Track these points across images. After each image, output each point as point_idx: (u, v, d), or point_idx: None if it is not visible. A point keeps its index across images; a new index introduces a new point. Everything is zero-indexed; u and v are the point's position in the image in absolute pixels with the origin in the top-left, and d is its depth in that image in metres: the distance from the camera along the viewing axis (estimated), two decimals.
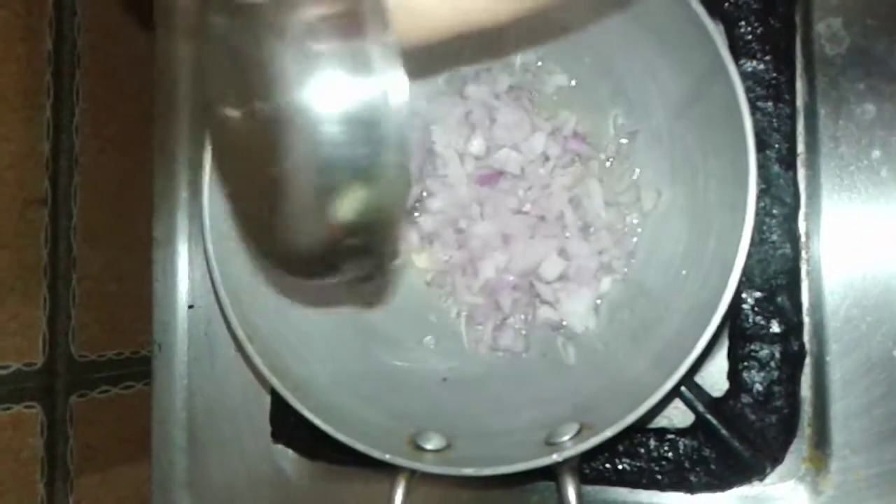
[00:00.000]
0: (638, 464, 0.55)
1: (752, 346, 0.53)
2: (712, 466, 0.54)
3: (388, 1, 0.32)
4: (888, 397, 0.52)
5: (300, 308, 0.56)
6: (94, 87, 0.76)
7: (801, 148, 0.54)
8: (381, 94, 0.32)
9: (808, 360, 0.54)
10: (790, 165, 0.54)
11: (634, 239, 0.56)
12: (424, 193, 0.59)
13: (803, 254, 0.54)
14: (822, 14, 0.55)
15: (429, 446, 0.50)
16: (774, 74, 0.54)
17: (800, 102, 0.55)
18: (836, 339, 0.53)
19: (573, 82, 0.58)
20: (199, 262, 0.69)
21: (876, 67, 0.54)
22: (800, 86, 0.55)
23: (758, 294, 0.53)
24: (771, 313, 0.53)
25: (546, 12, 0.40)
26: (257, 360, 0.50)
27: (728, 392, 0.54)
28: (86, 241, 0.75)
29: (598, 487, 0.56)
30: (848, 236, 0.54)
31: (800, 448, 0.54)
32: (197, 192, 0.67)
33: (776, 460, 0.53)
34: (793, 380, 0.53)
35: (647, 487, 0.55)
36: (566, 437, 0.47)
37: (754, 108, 0.53)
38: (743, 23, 0.54)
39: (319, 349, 0.55)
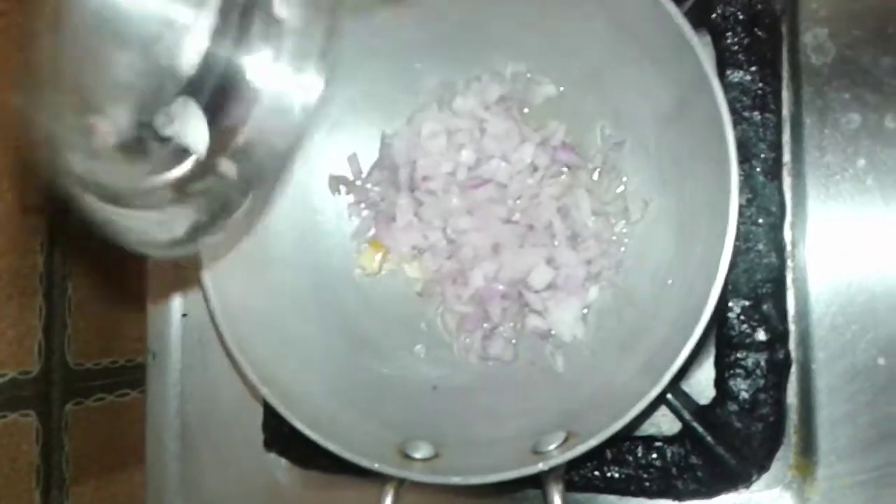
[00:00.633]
0: (626, 471, 0.55)
1: (739, 354, 0.54)
2: (699, 474, 0.54)
3: None
4: (873, 404, 0.53)
5: (291, 318, 0.57)
6: None
7: (786, 157, 0.55)
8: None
9: (793, 368, 0.54)
10: (776, 175, 0.54)
11: (622, 248, 0.56)
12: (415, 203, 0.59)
13: (789, 262, 0.55)
14: (809, 25, 0.55)
15: (417, 455, 0.50)
16: (761, 85, 0.54)
17: (786, 112, 0.55)
18: (822, 347, 0.54)
19: (562, 92, 0.58)
20: (192, 271, 0.70)
21: (861, 77, 0.54)
22: (786, 96, 0.55)
23: (744, 302, 0.54)
24: (757, 321, 0.54)
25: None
26: (248, 371, 0.51)
27: (715, 400, 0.55)
28: (81, 249, 0.75)
29: (587, 495, 0.57)
30: (833, 245, 0.54)
31: (786, 455, 0.54)
32: None
33: (762, 467, 0.54)
34: (779, 387, 0.54)
35: (635, 494, 0.56)
36: (553, 446, 0.47)
37: (741, 118, 0.54)
38: (730, 34, 0.55)
39: (310, 358, 0.56)
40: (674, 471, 0.54)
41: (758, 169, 0.54)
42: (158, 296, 0.70)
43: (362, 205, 0.62)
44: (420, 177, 0.58)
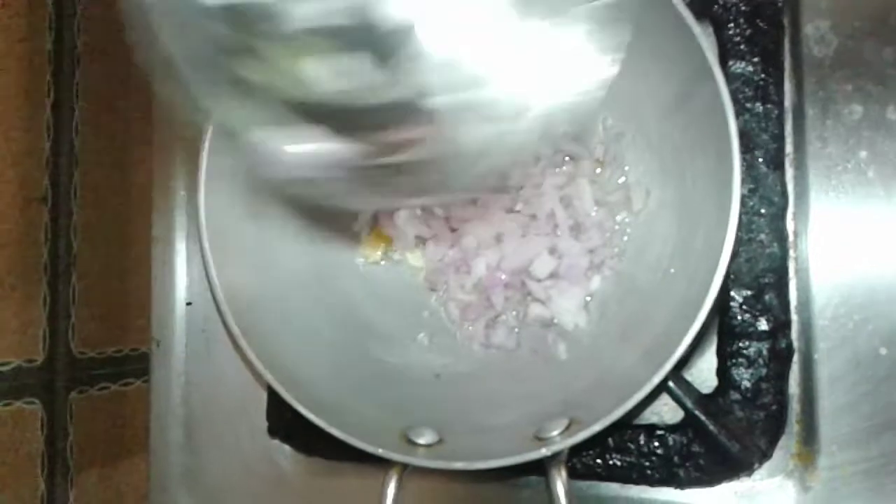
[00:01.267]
0: (628, 459, 0.56)
1: (741, 344, 0.54)
2: (701, 462, 0.54)
3: None
4: (875, 394, 0.53)
5: (295, 307, 0.57)
6: (94, 87, 0.77)
7: (789, 148, 0.55)
8: None
9: (795, 358, 0.54)
10: (778, 165, 0.54)
11: (624, 238, 0.57)
12: None
13: (791, 253, 0.55)
14: (810, 16, 0.55)
15: (421, 441, 0.50)
16: (763, 76, 0.54)
17: (788, 103, 0.55)
18: (824, 337, 0.54)
19: None
20: (197, 260, 0.70)
21: (863, 69, 0.54)
22: (788, 87, 0.55)
23: (746, 292, 0.54)
24: (759, 311, 0.54)
25: None
26: (252, 357, 0.51)
27: (717, 389, 0.55)
28: (85, 239, 0.75)
29: (589, 482, 0.57)
30: (835, 235, 0.54)
31: (788, 444, 0.54)
32: (195, 191, 0.67)
33: (764, 456, 0.54)
34: (781, 377, 0.54)
35: (636, 482, 0.56)
36: (555, 432, 0.47)
37: (743, 109, 0.54)
38: (732, 25, 0.55)
39: (315, 346, 0.56)
40: (676, 459, 0.55)
41: (760, 159, 0.54)
42: (162, 284, 0.71)
43: None
44: None
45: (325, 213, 0.61)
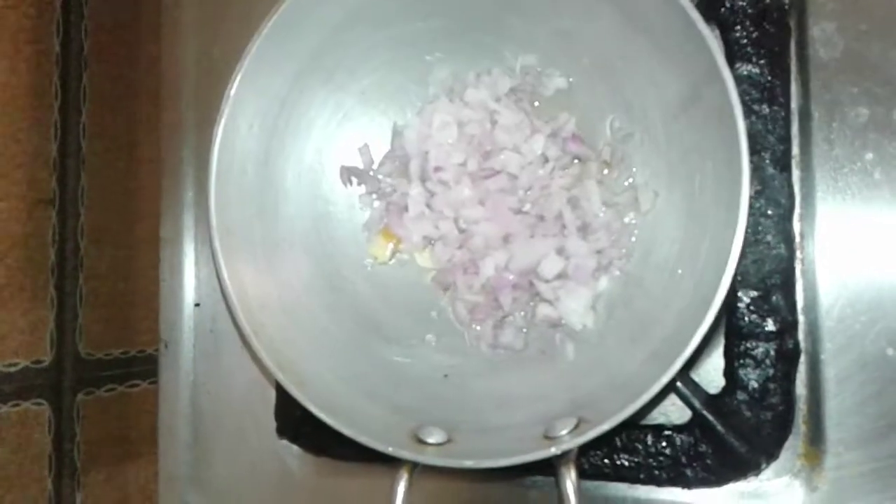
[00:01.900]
0: (636, 459, 0.56)
1: (748, 344, 0.54)
2: (708, 462, 0.55)
3: None
4: (882, 395, 0.53)
5: (304, 306, 0.58)
6: (101, 89, 0.77)
7: (795, 150, 0.55)
8: None
9: (802, 358, 0.55)
10: (785, 167, 0.54)
11: (632, 239, 0.57)
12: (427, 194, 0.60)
13: (798, 254, 0.55)
14: (817, 18, 0.56)
15: (430, 440, 0.50)
16: (769, 78, 0.55)
17: (794, 105, 0.55)
18: (831, 338, 0.54)
19: (572, 85, 0.59)
20: (205, 261, 0.70)
21: (869, 71, 0.55)
22: (794, 89, 0.56)
23: (753, 293, 0.54)
24: (766, 312, 0.54)
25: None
26: (263, 356, 0.51)
27: (724, 389, 0.55)
28: (92, 241, 0.76)
29: (596, 482, 0.57)
30: (842, 237, 0.55)
31: (795, 444, 0.55)
32: (203, 192, 0.67)
33: (771, 456, 0.54)
34: (788, 377, 0.54)
35: (644, 482, 0.56)
36: (564, 432, 0.48)
37: (749, 111, 0.54)
38: (738, 27, 0.55)
39: (324, 346, 0.56)
40: (683, 459, 0.55)
41: (767, 161, 0.54)
42: (171, 285, 0.71)
43: (374, 195, 0.62)
44: (432, 167, 0.59)
45: (333, 215, 0.62)
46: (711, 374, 0.57)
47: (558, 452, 0.46)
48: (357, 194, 0.62)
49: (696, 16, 0.46)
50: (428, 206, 0.60)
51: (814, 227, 0.55)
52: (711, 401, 0.55)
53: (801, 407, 0.55)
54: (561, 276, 0.57)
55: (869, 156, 0.54)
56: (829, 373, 0.54)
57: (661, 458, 0.55)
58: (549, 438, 0.48)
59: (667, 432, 0.55)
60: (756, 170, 0.54)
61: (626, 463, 0.56)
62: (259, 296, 0.54)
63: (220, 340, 0.69)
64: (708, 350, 0.56)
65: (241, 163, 0.55)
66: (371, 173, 0.62)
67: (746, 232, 0.46)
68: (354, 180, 0.62)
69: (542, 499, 0.59)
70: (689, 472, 0.55)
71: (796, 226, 0.55)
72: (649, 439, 0.56)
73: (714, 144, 0.49)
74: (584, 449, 0.47)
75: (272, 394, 0.65)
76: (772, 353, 0.54)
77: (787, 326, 0.54)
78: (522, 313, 0.58)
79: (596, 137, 0.58)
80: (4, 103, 0.68)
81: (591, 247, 0.56)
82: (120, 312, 0.79)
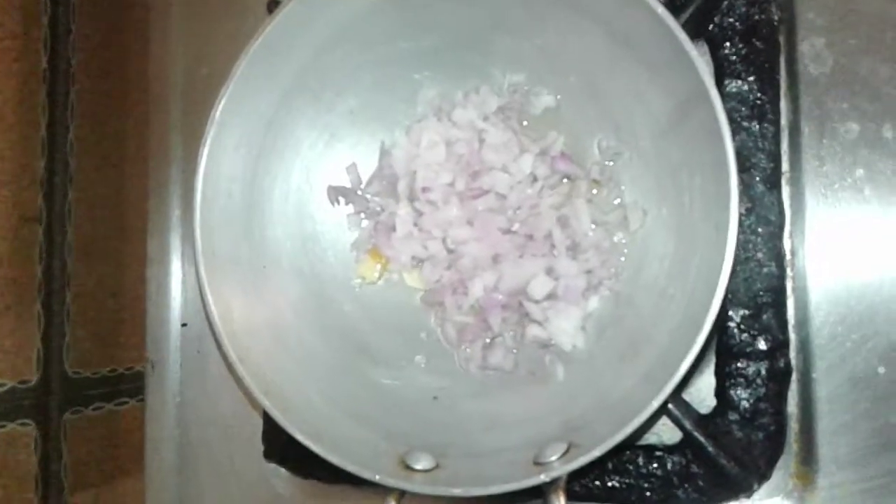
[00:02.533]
0: (627, 480, 0.55)
1: (739, 364, 0.54)
2: (700, 483, 0.54)
3: None
4: (874, 413, 0.53)
5: (291, 328, 0.57)
6: (89, 106, 0.77)
7: (785, 167, 0.55)
8: None
9: (794, 377, 0.54)
10: (775, 184, 0.54)
11: (622, 258, 0.56)
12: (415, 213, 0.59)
13: (788, 271, 0.55)
14: (806, 34, 0.55)
15: (418, 466, 0.50)
16: (759, 94, 0.54)
17: (784, 122, 0.55)
18: (822, 356, 0.54)
19: (560, 103, 0.59)
20: (192, 281, 0.70)
21: (859, 87, 0.54)
22: (784, 105, 0.55)
23: (744, 311, 0.54)
24: (757, 331, 0.54)
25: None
26: (248, 382, 0.51)
27: (715, 409, 0.55)
28: (79, 258, 0.75)
29: None
30: (833, 254, 0.54)
31: (787, 464, 0.54)
32: (190, 211, 0.67)
33: (764, 476, 0.54)
34: (779, 396, 0.54)
35: None
36: (554, 457, 0.47)
37: (739, 128, 0.54)
38: (727, 44, 0.55)
39: (311, 369, 0.56)
40: (675, 480, 0.54)
41: (757, 178, 0.54)
42: (157, 305, 0.71)
43: (362, 215, 0.62)
44: (420, 187, 0.58)
45: (320, 235, 0.61)
46: (703, 393, 0.56)
47: (548, 480, 0.45)
48: (345, 214, 0.62)
49: (683, 36, 0.46)
50: (416, 225, 0.59)
51: (804, 244, 0.55)
52: (703, 421, 0.54)
53: (793, 426, 0.55)
54: (550, 296, 0.56)
55: (859, 172, 0.54)
56: (821, 391, 0.54)
57: (653, 480, 0.55)
58: (539, 464, 0.47)
59: (658, 453, 0.55)
60: (746, 187, 0.54)
61: (617, 484, 0.56)
62: (245, 319, 0.53)
63: (207, 361, 0.68)
64: (699, 369, 0.56)
65: (227, 185, 0.54)
66: (359, 193, 0.61)
67: (736, 249, 0.45)
68: (342, 200, 0.61)
69: None
70: (680, 493, 0.54)
71: (787, 243, 0.55)
72: (640, 460, 0.55)
73: (703, 163, 0.49)
74: (575, 471, 0.46)
75: (259, 415, 0.65)
76: (763, 372, 0.54)
77: (779, 345, 0.54)
78: (512, 334, 0.58)
79: (585, 156, 0.58)
80: None
81: (581, 266, 0.56)
82: (108, 330, 0.79)
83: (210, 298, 0.52)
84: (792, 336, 0.54)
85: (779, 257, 0.54)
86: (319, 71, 0.57)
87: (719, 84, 0.54)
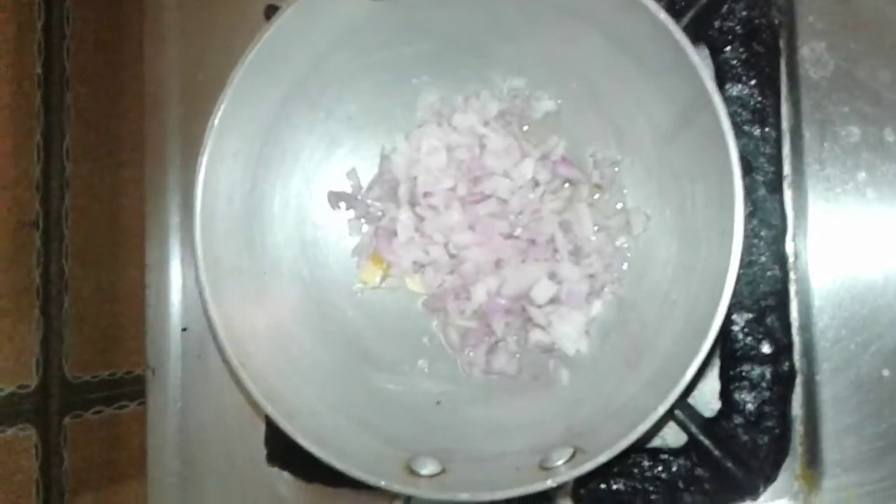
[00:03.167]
0: (632, 484, 0.55)
1: (743, 367, 0.54)
2: (706, 486, 0.54)
3: None
4: (878, 416, 0.53)
5: (293, 334, 0.57)
6: (85, 110, 0.76)
7: (787, 170, 0.55)
8: None
9: (798, 380, 0.54)
10: (777, 188, 0.54)
11: (624, 263, 0.56)
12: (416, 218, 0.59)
13: (791, 275, 0.55)
14: (806, 38, 0.55)
15: (424, 472, 0.50)
16: (760, 98, 0.54)
17: (785, 126, 0.55)
18: (826, 359, 0.54)
19: (561, 107, 0.58)
20: (191, 286, 0.70)
21: (860, 90, 0.54)
22: (785, 109, 0.55)
23: (748, 315, 0.54)
24: (761, 334, 0.54)
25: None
26: (251, 388, 0.51)
27: (720, 412, 0.55)
28: (77, 263, 0.75)
29: None
30: (836, 257, 0.54)
31: (792, 466, 0.54)
32: (188, 216, 0.67)
33: (769, 479, 0.54)
34: (784, 399, 0.54)
35: None
36: (560, 462, 0.47)
37: (740, 132, 0.54)
38: (728, 48, 0.55)
39: (314, 375, 0.56)
40: (680, 483, 0.54)
41: (759, 182, 0.54)
42: (157, 310, 0.70)
43: (363, 220, 0.62)
44: (421, 192, 0.58)
45: (321, 240, 0.61)
46: (707, 397, 0.56)
47: (554, 485, 0.45)
48: (345, 219, 0.62)
49: (684, 40, 0.46)
50: (417, 230, 0.59)
51: (807, 248, 0.55)
52: (707, 425, 0.54)
53: (798, 428, 0.55)
54: (553, 300, 0.56)
55: (861, 175, 0.54)
56: (826, 394, 0.54)
57: (658, 483, 0.55)
58: (545, 469, 0.47)
59: (663, 456, 0.55)
60: (748, 191, 0.54)
61: (623, 488, 0.56)
62: (247, 326, 0.53)
63: (208, 366, 0.68)
64: (703, 373, 0.56)
65: (228, 192, 0.54)
66: (359, 198, 0.61)
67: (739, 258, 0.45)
68: (343, 205, 0.61)
69: None
70: (686, 496, 0.55)
71: (789, 246, 0.55)
72: (646, 463, 0.55)
73: (706, 168, 0.49)
74: (581, 477, 0.46)
75: (262, 419, 0.65)
76: (767, 375, 0.54)
77: (783, 348, 0.54)
78: (515, 338, 0.58)
79: (586, 160, 0.58)
80: None
81: (584, 271, 0.56)
82: (107, 334, 0.78)
83: (211, 306, 0.52)
84: (796, 339, 0.54)
85: (782, 261, 0.54)
86: (318, 77, 0.57)
87: (720, 88, 0.54)
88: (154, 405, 0.70)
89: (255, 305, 0.55)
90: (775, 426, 0.53)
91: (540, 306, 0.56)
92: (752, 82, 0.54)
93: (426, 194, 0.58)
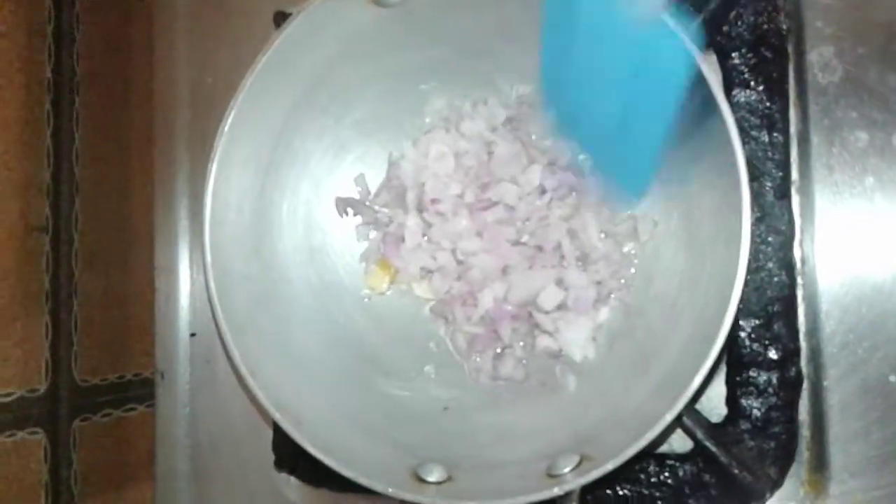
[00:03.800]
0: (638, 489, 0.55)
1: (750, 373, 0.54)
2: (712, 492, 0.54)
3: None
4: (885, 421, 0.53)
5: (300, 340, 0.57)
6: (94, 114, 0.76)
7: (795, 176, 0.55)
8: None
9: (805, 385, 0.54)
10: (784, 193, 0.54)
11: (631, 269, 0.56)
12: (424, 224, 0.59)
13: (799, 280, 0.55)
14: (814, 43, 0.55)
15: (431, 479, 0.50)
16: (768, 104, 0.54)
17: (793, 131, 0.55)
18: (833, 365, 0.54)
19: None
20: (200, 291, 0.70)
21: (868, 95, 0.54)
22: (793, 114, 0.55)
23: (755, 321, 0.54)
24: (768, 340, 0.54)
25: None
26: (260, 395, 0.51)
27: (727, 418, 0.55)
28: (86, 267, 0.75)
29: None
30: (843, 262, 0.54)
31: (798, 472, 0.54)
32: (197, 221, 0.67)
33: (775, 485, 0.54)
34: (791, 405, 0.54)
35: None
36: (567, 469, 0.47)
37: (748, 138, 0.54)
38: (736, 54, 0.55)
39: (321, 381, 0.56)
40: (686, 489, 0.54)
41: (766, 188, 0.54)
42: (166, 315, 0.70)
43: (371, 226, 0.62)
44: (428, 199, 0.58)
45: (329, 246, 0.61)
46: (714, 402, 0.56)
47: (561, 493, 0.45)
48: (353, 225, 0.62)
49: (693, 47, 0.46)
50: (425, 236, 0.59)
51: (814, 253, 0.55)
52: (714, 430, 0.54)
53: (805, 434, 0.55)
54: (560, 307, 0.56)
55: (869, 180, 0.54)
56: (832, 399, 0.54)
57: (664, 489, 0.55)
58: (552, 476, 0.47)
59: (669, 462, 0.55)
60: (756, 196, 0.54)
61: (629, 493, 0.55)
62: (255, 333, 0.54)
63: (217, 371, 0.68)
64: (710, 378, 0.56)
65: (237, 199, 0.55)
66: (367, 204, 0.61)
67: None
68: (350, 211, 0.61)
69: None
70: (692, 502, 0.55)
71: (797, 252, 0.55)
72: (652, 469, 0.55)
73: (713, 174, 0.49)
74: (587, 484, 0.46)
75: (270, 425, 0.65)
76: (774, 381, 0.54)
77: (790, 354, 0.54)
78: (522, 344, 0.58)
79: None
80: None
81: (591, 277, 0.56)
82: (116, 337, 0.79)
83: (220, 312, 0.52)
84: (803, 345, 0.54)
85: (789, 267, 0.54)
86: (327, 83, 0.57)
87: (728, 94, 0.54)
88: (162, 409, 0.70)
89: (263, 312, 0.55)
90: (782, 432, 0.53)
91: (547, 312, 0.56)
92: (760, 88, 0.54)
93: (434, 200, 0.58)
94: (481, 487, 0.49)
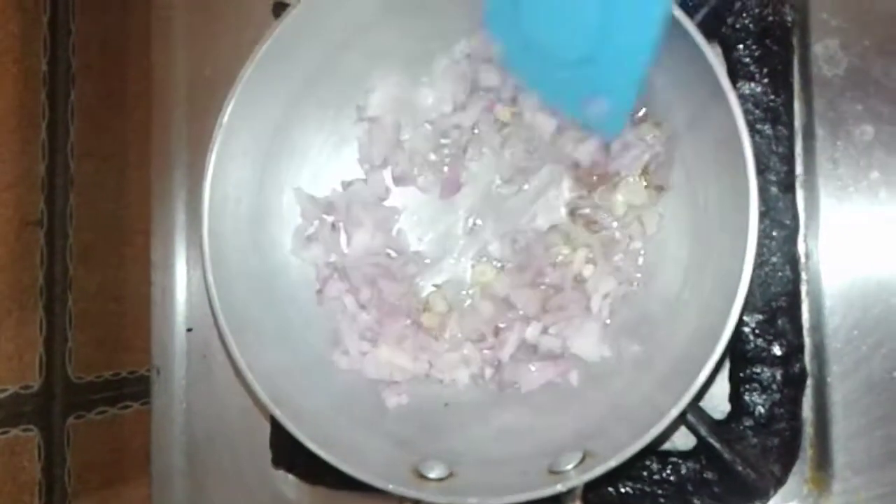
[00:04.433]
0: (640, 486, 0.55)
1: (754, 369, 0.53)
2: (715, 489, 0.54)
3: None
4: (889, 418, 0.52)
5: (299, 334, 0.56)
6: (90, 107, 0.76)
7: (799, 170, 0.55)
8: None
9: (808, 381, 0.54)
10: (789, 187, 0.54)
11: (638, 266, 0.56)
12: None
13: (803, 276, 0.54)
14: (820, 36, 0.55)
15: (432, 475, 0.49)
16: (772, 97, 0.54)
17: (798, 124, 0.55)
18: (837, 361, 0.53)
19: None
20: (197, 286, 0.69)
21: (873, 88, 0.54)
22: (798, 108, 0.55)
23: (759, 317, 0.53)
24: (772, 336, 0.53)
25: None
26: (258, 390, 0.50)
27: (730, 415, 0.54)
28: (81, 262, 0.75)
29: None
30: (847, 257, 0.54)
31: (802, 469, 0.54)
32: (195, 215, 0.66)
33: (779, 482, 0.53)
34: (794, 402, 0.53)
35: None
36: (570, 466, 0.47)
37: (753, 131, 0.53)
38: (741, 46, 0.54)
39: (320, 376, 0.55)
40: (689, 486, 0.54)
41: (771, 181, 0.54)
42: (162, 310, 0.70)
43: None
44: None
45: None
46: (717, 399, 0.56)
47: (564, 490, 0.45)
48: None
49: (699, 38, 0.45)
50: None
51: (819, 248, 0.54)
52: (717, 427, 0.54)
53: (808, 430, 0.54)
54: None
55: (874, 174, 0.54)
56: (836, 396, 0.53)
57: (667, 486, 0.54)
58: (555, 473, 0.47)
59: (672, 459, 0.54)
60: (760, 190, 0.52)
61: (631, 490, 0.55)
62: (254, 327, 0.53)
63: (213, 367, 0.68)
64: (713, 374, 0.55)
65: (236, 191, 0.54)
66: None
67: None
68: None
69: None
70: (695, 499, 0.54)
71: (801, 247, 0.54)
72: (654, 466, 0.55)
73: (720, 166, 0.48)
74: (590, 481, 0.46)
75: (267, 421, 0.64)
76: (778, 377, 0.53)
77: (794, 350, 0.53)
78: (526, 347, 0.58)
79: None
80: None
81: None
82: (110, 334, 0.78)
83: (219, 306, 0.51)
84: (807, 341, 0.54)
85: (793, 261, 0.53)
86: (327, 75, 0.56)
87: (732, 86, 0.53)
88: (158, 405, 0.69)
89: (262, 306, 0.55)
90: (785, 429, 0.53)
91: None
92: (765, 80, 0.54)
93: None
94: (483, 484, 0.48)
